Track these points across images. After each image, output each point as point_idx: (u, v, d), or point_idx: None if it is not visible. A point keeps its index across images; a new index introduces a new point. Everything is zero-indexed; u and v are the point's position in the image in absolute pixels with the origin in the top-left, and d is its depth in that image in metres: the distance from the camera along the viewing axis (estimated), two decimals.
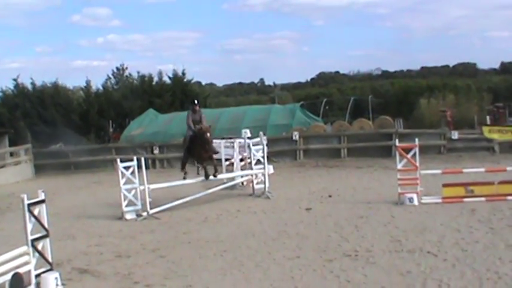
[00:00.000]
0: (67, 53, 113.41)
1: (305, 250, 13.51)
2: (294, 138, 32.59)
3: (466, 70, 73.52)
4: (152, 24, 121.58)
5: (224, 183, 21.91)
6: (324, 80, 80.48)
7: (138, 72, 52.58)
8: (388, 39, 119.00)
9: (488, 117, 36.81)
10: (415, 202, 18.15)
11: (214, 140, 26.82)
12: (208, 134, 19.56)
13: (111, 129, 44.67)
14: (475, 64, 78.02)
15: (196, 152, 19.92)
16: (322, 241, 14.15)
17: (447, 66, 79.93)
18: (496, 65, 76.05)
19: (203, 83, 69.83)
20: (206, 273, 12.18)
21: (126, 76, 54.32)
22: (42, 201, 11.71)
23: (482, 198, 17.95)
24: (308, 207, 18.61)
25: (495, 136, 29.95)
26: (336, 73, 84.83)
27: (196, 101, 20.93)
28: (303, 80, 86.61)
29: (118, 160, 18.89)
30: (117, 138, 40.84)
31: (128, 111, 45.79)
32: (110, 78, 54.40)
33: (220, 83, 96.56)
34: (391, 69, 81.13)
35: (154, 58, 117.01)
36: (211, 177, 20.09)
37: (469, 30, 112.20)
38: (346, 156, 31.99)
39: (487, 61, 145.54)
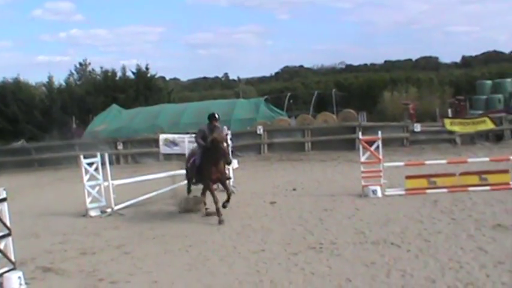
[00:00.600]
0: (29, 48, 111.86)
1: (270, 243, 13.54)
2: (258, 132, 32.70)
3: (429, 64, 74.00)
4: (115, 18, 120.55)
5: None
6: (288, 74, 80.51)
7: (101, 68, 52.51)
8: (352, 33, 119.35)
9: (449, 110, 37.22)
10: (379, 194, 18.29)
11: (179, 135, 26.90)
12: (225, 144, 16.43)
13: (74, 126, 44.34)
14: (437, 58, 78.65)
15: (207, 171, 16.61)
16: (286, 234, 14.20)
17: (410, 60, 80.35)
18: (458, 59, 76.82)
19: (167, 78, 69.58)
20: (171, 268, 12.15)
21: (89, 71, 54.17)
22: (4, 200, 11.58)
23: (445, 190, 18.15)
24: (272, 200, 18.67)
25: (456, 128, 30.29)
26: (300, 67, 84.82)
27: (216, 115, 17.19)
28: (267, 74, 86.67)
29: (81, 156, 18.73)
30: (80, 135, 40.55)
31: (91, 107, 45.56)
32: (72, 73, 54.24)
33: (184, 77, 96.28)
34: (355, 63, 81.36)
35: (117, 53, 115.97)
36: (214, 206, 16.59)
37: (432, 24, 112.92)
38: (310, 149, 32.17)
39: (449, 55, 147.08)
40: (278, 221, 15.90)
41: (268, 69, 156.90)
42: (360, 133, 20.32)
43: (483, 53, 74.56)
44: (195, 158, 17.36)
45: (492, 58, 69.24)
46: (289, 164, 28.61)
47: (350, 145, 30.52)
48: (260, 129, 32.76)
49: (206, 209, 17.40)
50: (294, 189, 20.65)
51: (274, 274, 11.32)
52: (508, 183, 18.45)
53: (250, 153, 32.06)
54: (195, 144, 17.73)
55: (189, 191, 18.30)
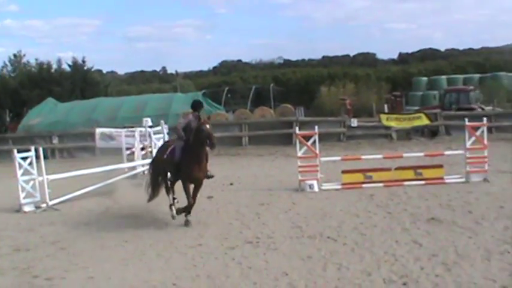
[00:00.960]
0: None
1: (207, 238, 13.50)
2: None
3: (366, 60, 74.91)
4: (51, 9, 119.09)
5: (125, 172, 21.68)
6: (227, 68, 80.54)
7: (37, 60, 51.72)
8: (291, 29, 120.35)
9: (386, 106, 37.71)
10: (316, 189, 18.42)
11: (116, 130, 26.64)
12: (208, 126, 14.49)
13: (8, 119, 43.60)
14: (374, 54, 79.67)
15: (188, 169, 14.69)
16: (223, 229, 14.19)
17: (348, 55, 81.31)
18: (395, 56, 77.90)
19: (104, 71, 69.11)
20: (108, 264, 12.00)
21: (24, 63, 53.23)
22: None
23: (380, 184, 18.39)
24: (209, 195, 18.60)
25: (393, 124, 30.76)
26: (238, 61, 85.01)
27: (201, 102, 15.92)
28: (205, 69, 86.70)
29: (15, 150, 18.38)
30: (14, 128, 39.89)
31: (25, 100, 44.84)
32: (6, 65, 53.30)
33: (121, 71, 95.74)
34: (293, 58, 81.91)
35: (53, 45, 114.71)
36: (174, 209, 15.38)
37: (370, 21, 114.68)
38: (247, 144, 32.29)
39: (386, 52, 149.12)
40: (215, 215, 15.89)
41: (207, 63, 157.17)
42: (297, 128, 20.40)
43: (419, 50, 75.85)
44: (173, 149, 15.14)
45: (428, 55, 70.47)
46: (227, 158, 28.63)
47: (287, 140, 30.69)
48: None
49: (171, 205, 15.53)
50: (231, 184, 20.67)
51: (211, 268, 11.28)
52: (442, 178, 18.80)
53: None
54: (132, 138, 17.19)
55: (154, 189, 16.11)
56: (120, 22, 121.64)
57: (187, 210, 14.95)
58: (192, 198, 14.82)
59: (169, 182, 15.77)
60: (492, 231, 12.92)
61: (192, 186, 14.94)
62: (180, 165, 14.78)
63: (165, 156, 15.39)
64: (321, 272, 10.74)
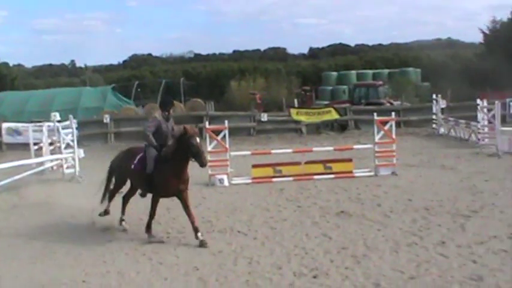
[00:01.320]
0: None
1: (116, 234, 13.34)
2: (105, 121, 32.21)
3: (277, 55, 75.21)
4: None
5: (33, 168, 21.18)
6: (137, 62, 79.55)
7: None
8: (201, 23, 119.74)
9: (296, 100, 37.98)
10: (226, 183, 18.44)
11: (23, 124, 26.02)
12: (198, 140, 12.26)
13: None
14: (285, 49, 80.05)
15: (164, 182, 12.48)
16: (133, 224, 13.98)
17: (259, 50, 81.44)
18: (305, 51, 78.49)
19: (11, 64, 67.26)
20: (15, 262, 11.70)
21: None
22: None
23: (290, 178, 18.52)
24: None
25: (302, 118, 30.80)
26: (148, 55, 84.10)
27: (171, 100, 14.07)
28: (115, 62, 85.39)
29: None
30: None
31: None
32: None
33: (29, 64, 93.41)
34: (204, 52, 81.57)
35: None
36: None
37: (280, 16, 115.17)
38: None
39: (297, 46, 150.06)
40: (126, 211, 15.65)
41: (116, 57, 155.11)
42: (207, 122, 20.37)
43: (330, 45, 76.64)
44: (142, 158, 12.97)
45: (338, 50, 71.30)
46: None
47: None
48: (107, 118, 32.31)
49: (106, 211, 14.12)
50: None
51: (121, 264, 11.18)
52: (351, 172, 19.06)
53: (97, 142, 31.47)
54: (39, 133, 16.57)
55: (110, 198, 14.30)
56: (28, 14, 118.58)
57: (148, 224, 12.88)
58: (191, 216, 12.53)
59: (121, 195, 14.16)
60: (400, 223, 13.18)
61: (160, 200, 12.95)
62: (153, 178, 12.54)
63: (132, 167, 13.17)
64: (231, 266, 10.76)
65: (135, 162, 13.07)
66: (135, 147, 13.97)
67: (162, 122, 12.72)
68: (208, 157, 18.42)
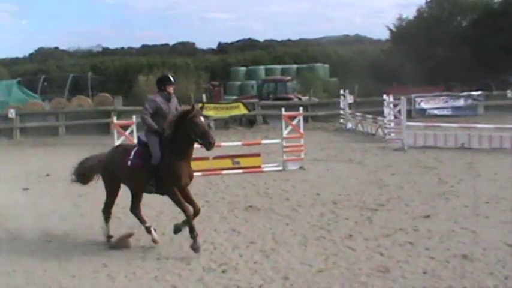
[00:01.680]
0: None
1: (23, 231, 12.97)
2: (10, 116, 31.52)
3: (185, 49, 74.85)
4: None
5: None
6: (43, 55, 77.84)
7: None
8: (110, 16, 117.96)
9: (204, 95, 37.95)
10: None
11: None
12: (202, 119, 10.91)
13: None
14: (194, 44, 79.73)
15: (175, 171, 11.01)
16: (40, 222, 13.69)
17: (167, 44, 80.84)
18: (214, 45, 78.37)
19: None
20: None
21: None
22: None
23: (199, 173, 18.46)
24: (25, 187, 18.03)
25: (211, 113, 30.85)
26: (55, 49, 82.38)
27: (171, 78, 11.74)
28: (20, 56, 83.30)
29: None
30: None
31: None
32: None
33: None
34: (112, 46, 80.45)
35: None
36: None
37: (189, 10, 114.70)
38: (64, 134, 31.65)
39: (206, 41, 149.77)
40: (31, 208, 15.34)
41: (22, 50, 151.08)
42: (115, 117, 20.17)
43: (239, 41, 76.67)
44: (140, 151, 11.43)
45: (247, 46, 71.43)
46: (43, 149, 27.87)
47: (105, 130, 30.29)
48: (12, 113, 31.64)
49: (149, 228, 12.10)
50: (48, 175, 20.14)
51: (28, 263, 10.95)
52: (259, 167, 19.21)
53: (2, 138, 30.89)
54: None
55: (107, 219, 12.30)
56: None
57: (190, 223, 11.12)
58: (195, 204, 11.35)
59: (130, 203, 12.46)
60: (308, 217, 13.36)
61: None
62: (162, 169, 11.03)
63: (128, 163, 11.45)
64: (140, 262, 10.73)
65: (131, 157, 11.39)
66: (125, 144, 12.54)
67: (162, 102, 11.24)
68: None
